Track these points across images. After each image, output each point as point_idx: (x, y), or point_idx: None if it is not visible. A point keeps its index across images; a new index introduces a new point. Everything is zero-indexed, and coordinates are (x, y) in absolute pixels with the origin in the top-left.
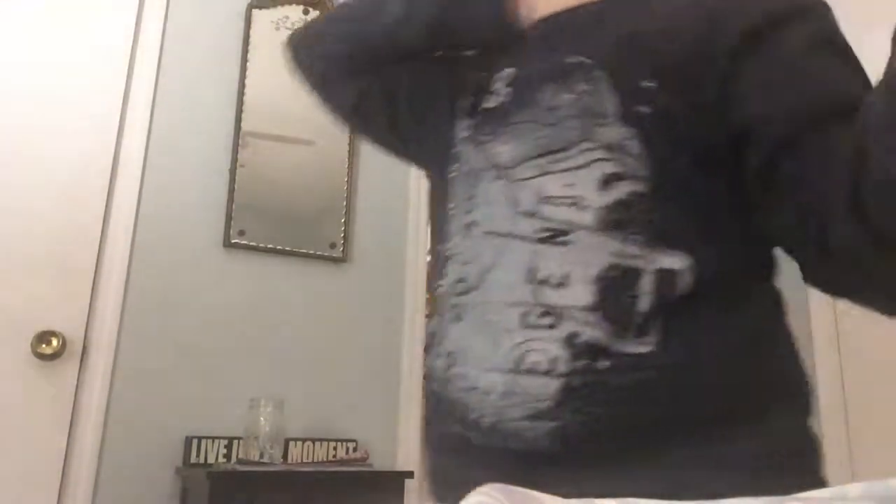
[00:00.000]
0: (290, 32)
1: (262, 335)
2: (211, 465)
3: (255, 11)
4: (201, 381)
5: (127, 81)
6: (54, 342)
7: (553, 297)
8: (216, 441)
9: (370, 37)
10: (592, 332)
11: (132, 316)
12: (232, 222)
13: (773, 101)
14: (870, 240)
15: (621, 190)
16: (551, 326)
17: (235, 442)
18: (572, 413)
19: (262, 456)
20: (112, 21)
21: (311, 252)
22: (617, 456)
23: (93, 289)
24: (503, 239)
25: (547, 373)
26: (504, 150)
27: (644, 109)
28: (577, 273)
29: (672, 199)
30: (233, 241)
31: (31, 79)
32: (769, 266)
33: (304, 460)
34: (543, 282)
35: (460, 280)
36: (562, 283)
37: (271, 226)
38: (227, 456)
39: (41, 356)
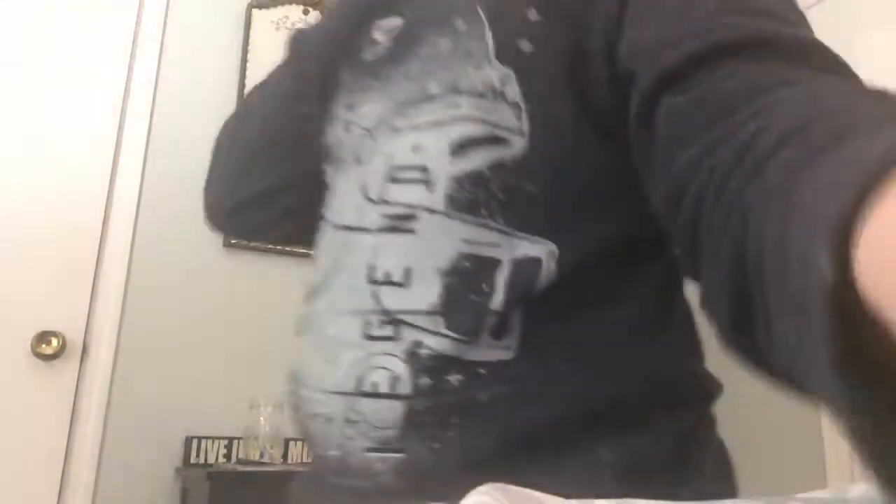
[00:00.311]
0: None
1: (262, 335)
2: (211, 465)
3: (255, 11)
4: (201, 381)
5: (127, 81)
6: (54, 342)
7: (392, 299)
8: (216, 441)
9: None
10: (438, 341)
11: (132, 316)
12: None
13: (658, 27)
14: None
15: (479, 158)
16: (391, 338)
17: (235, 442)
18: (419, 442)
19: (262, 456)
20: (112, 21)
21: (311, 252)
22: (462, 487)
23: (93, 289)
24: (348, 234)
25: (389, 395)
26: (366, 110)
27: (526, 46)
28: (420, 268)
29: (544, 168)
30: (233, 241)
31: (31, 79)
32: (659, 243)
33: (304, 460)
34: (383, 282)
35: (310, 287)
36: (402, 283)
37: None
38: (227, 456)
39: (41, 356)
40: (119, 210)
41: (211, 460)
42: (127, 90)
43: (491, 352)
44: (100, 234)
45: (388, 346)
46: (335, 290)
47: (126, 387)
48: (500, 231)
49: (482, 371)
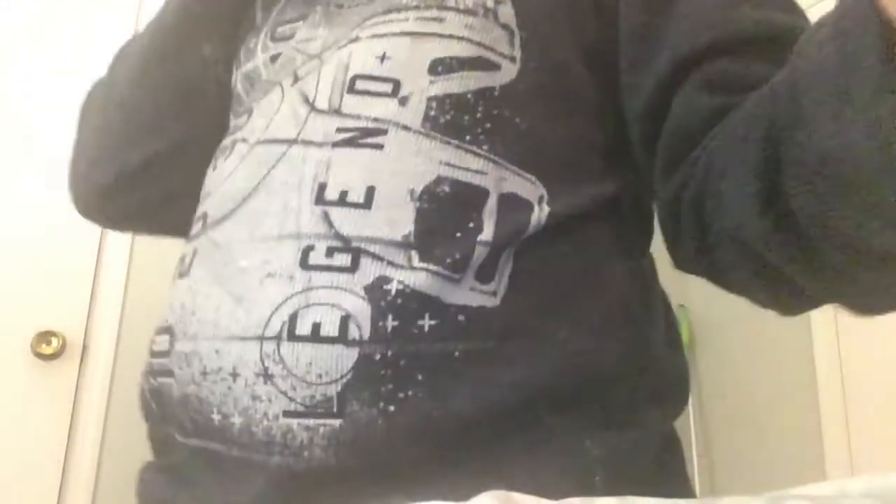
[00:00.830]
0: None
1: None
2: None
3: None
4: None
5: None
6: (54, 342)
7: (349, 224)
8: None
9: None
10: (414, 275)
11: (132, 316)
12: None
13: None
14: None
15: (463, 81)
16: (346, 269)
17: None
18: (366, 404)
19: None
20: (112, 21)
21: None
22: (423, 468)
23: (93, 289)
24: (281, 147)
25: (334, 339)
26: (306, 35)
27: None
28: (387, 189)
29: (535, 101)
30: None
31: (31, 79)
32: (649, 221)
33: None
34: (336, 202)
35: (196, 220)
36: (363, 204)
37: None
38: None
39: (41, 356)
40: None
41: None
42: None
43: (473, 295)
44: (100, 233)
45: (339, 278)
46: (257, 212)
47: (126, 386)
48: (486, 158)
49: (461, 318)
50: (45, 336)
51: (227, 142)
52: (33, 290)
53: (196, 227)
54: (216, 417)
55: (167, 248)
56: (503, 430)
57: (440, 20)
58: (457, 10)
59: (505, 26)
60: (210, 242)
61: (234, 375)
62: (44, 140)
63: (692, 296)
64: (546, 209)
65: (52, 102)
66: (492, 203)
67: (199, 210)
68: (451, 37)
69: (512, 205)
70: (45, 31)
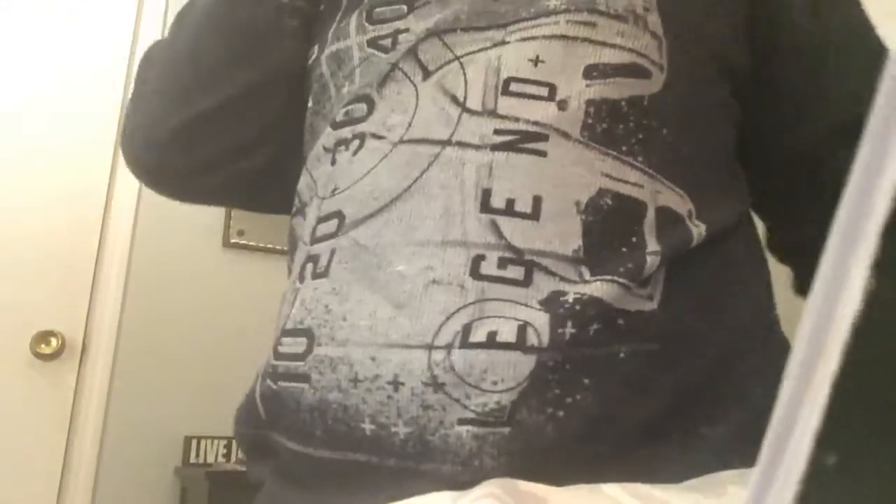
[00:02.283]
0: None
1: (262, 335)
2: (210, 465)
3: None
4: (201, 381)
5: (126, 81)
6: (54, 342)
7: (519, 235)
8: (216, 441)
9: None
10: (589, 288)
11: (131, 316)
12: (231, 222)
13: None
14: None
15: (618, 88)
16: (520, 283)
17: (235, 442)
18: (534, 411)
19: None
20: (112, 21)
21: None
22: (589, 473)
23: (92, 289)
24: (431, 147)
25: (512, 346)
26: (434, 12)
27: None
28: (553, 200)
29: (679, 112)
30: (232, 240)
31: (31, 78)
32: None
33: None
34: (503, 211)
35: (327, 217)
36: (531, 215)
37: (271, 226)
38: (227, 456)
39: (40, 356)
40: (119, 209)
41: (210, 460)
42: (126, 89)
43: (633, 300)
44: (99, 233)
45: (515, 292)
46: (411, 215)
47: (125, 386)
48: (642, 170)
49: (621, 322)
50: (44, 336)
51: (344, 133)
52: (33, 290)
53: (328, 226)
54: (368, 427)
55: (167, 248)
56: (662, 433)
57: (592, 25)
58: (608, 14)
59: (654, 34)
60: (353, 243)
61: (397, 384)
62: (44, 140)
63: None
64: (703, 225)
65: (53, 103)
66: (650, 217)
67: (325, 206)
68: (603, 43)
69: (668, 218)
70: (44, 30)
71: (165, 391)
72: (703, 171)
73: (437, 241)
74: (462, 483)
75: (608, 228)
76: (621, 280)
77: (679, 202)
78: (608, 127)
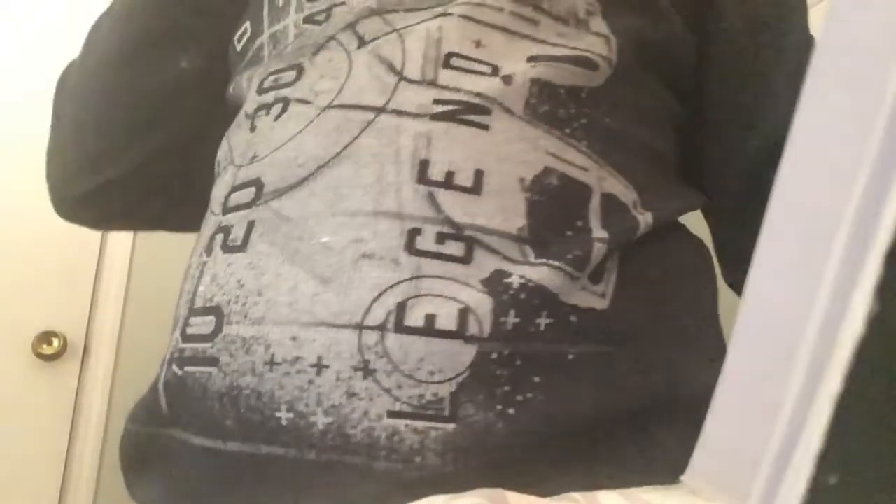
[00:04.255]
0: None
1: None
2: None
3: None
4: None
5: None
6: (55, 342)
7: (459, 209)
8: None
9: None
10: (534, 272)
11: (133, 316)
12: None
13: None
14: None
15: (563, 73)
16: (461, 259)
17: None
18: (482, 407)
19: None
20: None
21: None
22: (542, 471)
23: (94, 289)
24: (363, 113)
25: (452, 334)
26: None
27: None
28: (496, 174)
29: (624, 106)
30: None
31: (31, 78)
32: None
33: None
34: (442, 183)
35: (243, 185)
36: (472, 188)
37: None
38: None
39: (42, 356)
40: None
41: None
42: None
43: (584, 295)
44: (100, 234)
45: (452, 268)
46: (340, 183)
47: (127, 387)
48: (587, 155)
49: (572, 318)
50: (46, 336)
51: (267, 98)
52: (34, 291)
53: (243, 195)
54: (284, 416)
55: (169, 248)
56: (618, 435)
57: (535, 22)
58: (549, 14)
59: (598, 34)
60: (273, 214)
61: (320, 367)
62: (45, 140)
63: None
64: (648, 213)
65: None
66: (595, 202)
67: (241, 174)
68: (544, 42)
69: (613, 206)
70: (44, 31)
71: None
72: (647, 166)
73: (369, 210)
74: (405, 481)
75: (554, 209)
76: (567, 268)
77: (624, 191)
78: (550, 109)
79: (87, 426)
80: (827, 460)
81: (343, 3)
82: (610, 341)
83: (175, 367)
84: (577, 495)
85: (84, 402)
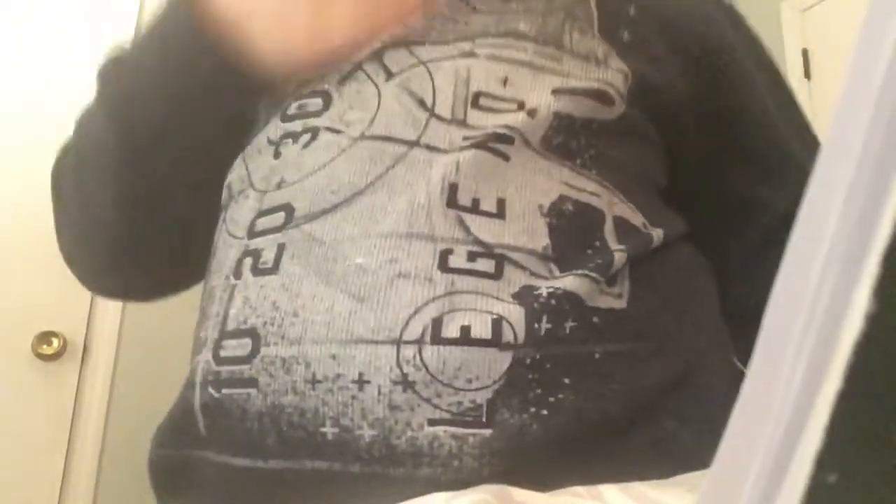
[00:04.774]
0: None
1: None
2: None
3: None
4: None
5: None
6: (55, 342)
7: (487, 231)
8: None
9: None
10: (561, 282)
11: (133, 316)
12: None
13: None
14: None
15: (582, 106)
16: (492, 275)
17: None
18: (516, 410)
19: None
20: (113, 20)
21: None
22: (575, 469)
23: None
24: (397, 146)
25: (489, 342)
26: (411, 31)
27: (626, 35)
28: (517, 202)
29: (631, 141)
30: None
31: (31, 79)
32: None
33: None
34: (469, 208)
35: (271, 210)
36: (497, 214)
37: None
38: None
39: (42, 356)
40: None
41: None
42: None
43: (605, 298)
44: None
45: (486, 284)
46: (373, 209)
47: (127, 387)
48: (598, 182)
49: (595, 319)
50: (45, 336)
51: (294, 126)
52: (34, 291)
53: (272, 219)
54: (330, 431)
55: None
56: (639, 430)
57: (558, 59)
58: (572, 52)
59: (618, 69)
60: (306, 237)
61: (361, 383)
62: (44, 140)
63: None
64: (659, 230)
65: (54, 103)
66: (609, 224)
67: (268, 199)
68: (569, 74)
69: (625, 227)
70: (44, 31)
71: (166, 392)
72: (647, 194)
73: (402, 233)
74: (443, 484)
75: (573, 231)
76: (592, 274)
77: (632, 215)
78: (563, 141)
79: (87, 426)
80: (826, 459)
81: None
82: (631, 338)
83: (212, 390)
84: (580, 489)
85: (84, 402)
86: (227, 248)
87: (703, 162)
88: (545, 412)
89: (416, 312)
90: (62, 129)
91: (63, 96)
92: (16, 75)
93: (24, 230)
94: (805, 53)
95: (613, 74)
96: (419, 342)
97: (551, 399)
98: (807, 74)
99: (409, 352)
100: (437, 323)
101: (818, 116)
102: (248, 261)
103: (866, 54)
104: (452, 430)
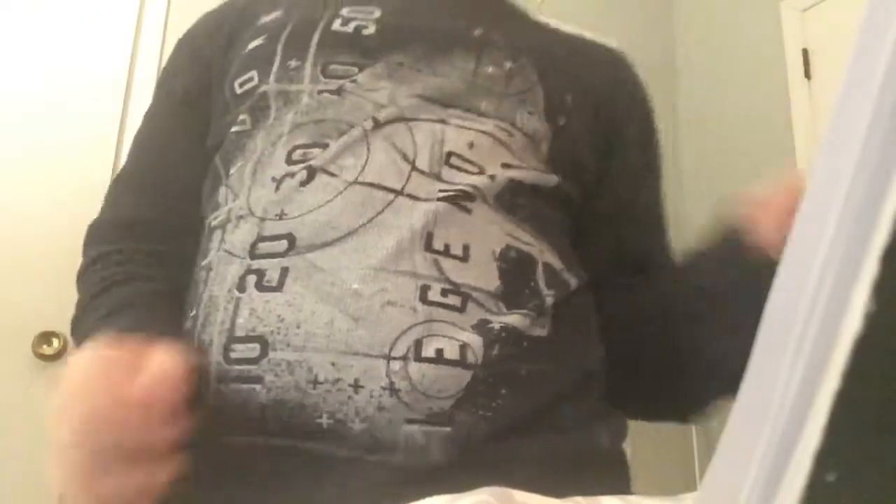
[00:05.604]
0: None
1: None
2: None
3: None
4: None
5: (127, 82)
6: (55, 343)
7: (456, 273)
8: None
9: None
10: (507, 318)
11: None
12: None
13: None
14: None
15: (526, 174)
16: (458, 309)
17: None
18: (469, 413)
19: None
20: (112, 22)
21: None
22: (503, 455)
23: None
24: (385, 193)
25: (456, 363)
26: (383, 86)
27: (562, 119)
28: (477, 248)
29: (564, 203)
30: None
31: (32, 79)
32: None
33: None
34: (442, 252)
35: (274, 238)
36: (462, 258)
37: None
38: None
39: (42, 357)
40: None
41: None
42: (128, 90)
43: (533, 328)
44: None
45: (453, 315)
46: (366, 245)
47: None
48: (531, 234)
49: (525, 345)
50: (46, 336)
51: (294, 168)
52: (34, 291)
53: (274, 245)
54: (326, 422)
55: None
56: (551, 427)
57: (511, 135)
58: (522, 132)
59: (543, 157)
60: (308, 264)
61: (357, 387)
62: (44, 140)
63: None
64: (574, 278)
65: (54, 103)
66: (539, 269)
67: (269, 227)
68: (514, 152)
69: (551, 272)
70: (44, 31)
71: None
72: (565, 245)
73: (391, 269)
74: (410, 469)
75: (515, 274)
76: (530, 313)
77: (555, 261)
78: (510, 200)
79: None
80: (826, 457)
81: (354, 81)
82: (549, 360)
83: (221, 385)
84: (580, 499)
85: None
86: (226, 265)
87: (598, 222)
88: (489, 414)
89: (402, 334)
90: (62, 131)
91: (63, 97)
92: (16, 76)
93: (25, 231)
94: (805, 53)
95: (542, 159)
96: (405, 359)
97: (493, 404)
98: (807, 74)
99: (396, 366)
100: (418, 344)
101: (818, 116)
102: (252, 278)
103: (866, 54)
104: (424, 428)
